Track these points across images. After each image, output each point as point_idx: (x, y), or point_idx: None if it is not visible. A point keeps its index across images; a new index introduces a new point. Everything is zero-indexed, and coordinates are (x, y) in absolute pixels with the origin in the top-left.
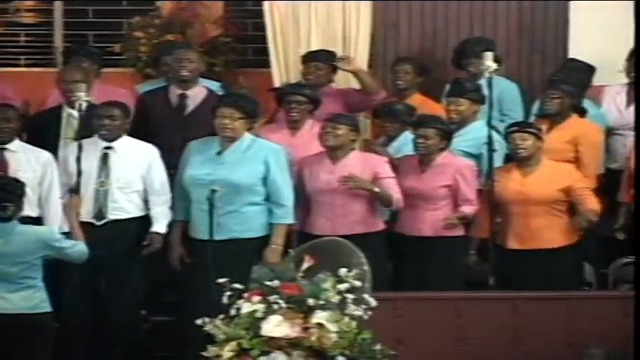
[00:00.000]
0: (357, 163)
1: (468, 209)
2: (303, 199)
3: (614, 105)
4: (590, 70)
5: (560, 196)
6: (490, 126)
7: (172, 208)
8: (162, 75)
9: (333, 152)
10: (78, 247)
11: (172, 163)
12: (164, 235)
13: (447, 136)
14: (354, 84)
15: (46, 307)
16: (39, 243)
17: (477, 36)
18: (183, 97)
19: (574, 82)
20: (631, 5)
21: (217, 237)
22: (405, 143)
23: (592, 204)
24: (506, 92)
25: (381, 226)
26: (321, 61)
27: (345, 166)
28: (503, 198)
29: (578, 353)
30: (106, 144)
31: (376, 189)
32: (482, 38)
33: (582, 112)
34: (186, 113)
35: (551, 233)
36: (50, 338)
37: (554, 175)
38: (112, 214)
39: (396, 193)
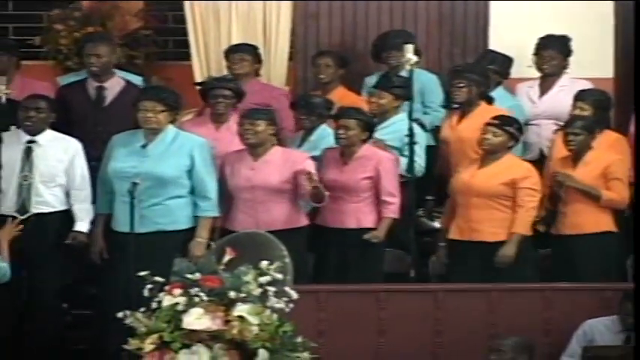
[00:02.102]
0: (278, 159)
1: (390, 212)
2: (225, 196)
3: (527, 98)
4: (508, 61)
5: (503, 190)
6: (411, 118)
7: (95, 201)
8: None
9: (254, 149)
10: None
11: (93, 156)
12: (86, 233)
13: (368, 128)
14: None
15: None
16: None
17: (396, 29)
18: (100, 90)
19: (478, 71)
20: None
21: (141, 229)
22: (322, 137)
23: (519, 225)
24: (427, 84)
25: (303, 221)
26: (245, 52)
27: (266, 162)
28: (452, 188)
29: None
30: (29, 138)
31: (319, 185)
32: (401, 31)
33: (489, 101)
34: (104, 105)
35: (491, 227)
36: None
37: (505, 169)
38: (35, 208)
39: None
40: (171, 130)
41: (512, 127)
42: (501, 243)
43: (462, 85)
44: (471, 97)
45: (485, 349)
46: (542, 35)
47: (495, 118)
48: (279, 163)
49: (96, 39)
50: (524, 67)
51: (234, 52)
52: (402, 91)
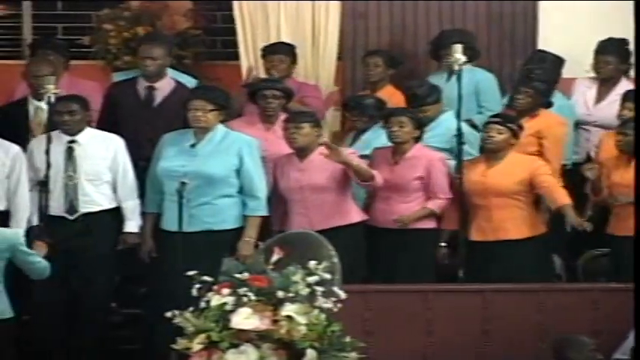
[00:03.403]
0: (324, 158)
1: (434, 204)
2: (278, 200)
3: (582, 99)
4: (559, 62)
5: (520, 187)
6: (459, 118)
7: (144, 200)
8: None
9: (301, 151)
10: (43, 264)
11: (142, 155)
12: (137, 233)
13: (419, 126)
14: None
15: (9, 314)
16: (5, 245)
17: (448, 28)
18: (151, 90)
19: (546, 79)
20: None
21: (189, 229)
22: (374, 137)
23: (562, 197)
24: (483, 83)
25: (356, 217)
26: (284, 53)
27: (313, 162)
28: (467, 190)
29: (547, 345)
30: (69, 138)
31: (354, 162)
32: (458, 30)
33: (548, 105)
34: (154, 105)
35: (512, 225)
36: (13, 345)
37: (516, 166)
38: (84, 207)
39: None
40: (220, 129)
41: (514, 124)
42: (527, 240)
43: (528, 92)
44: (533, 105)
45: (535, 348)
46: (598, 37)
47: (497, 115)
48: (325, 162)
49: (151, 41)
50: (573, 66)
51: (273, 53)
52: (434, 97)
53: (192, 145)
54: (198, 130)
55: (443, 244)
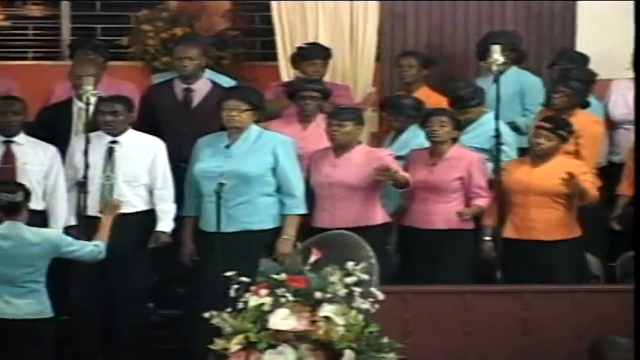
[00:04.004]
0: (361, 157)
1: (482, 202)
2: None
3: (623, 99)
4: (584, 59)
5: (563, 190)
6: (497, 120)
7: (182, 204)
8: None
9: (340, 148)
10: (88, 249)
11: (181, 157)
12: (169, 233)
13: (458, 127)
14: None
15: (49, 313)
16: (47, 247)
17: (486, 29)
18: (188, 91)
19: (583, 78)
20: None
21: (228, 229)
22: (411, 137)
23: (592, 191)
24: (529, 86)
25: (380, 219)
26: (320, 58)
27: (348, 160)
28: (508, 187)
29: (585, 346)
30: (111, 138)
31: (395, 171)
32: (504, 32)
33: (585, 105)
34: (192, 107)
35: (546, 226)
36: (51, 345)
37: (562, 169)
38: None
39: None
40: (254, 129)
41: (563, 131)
42: (557, 242)
43: (566, 92)
44: (570, 105)
45: (574, 350)
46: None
47: (547, 120)
48: (361, 161)
49: (187, 41)
50: (612, 66)
51: (309, 57)
52: (477, 100)
53: (227, 146)
54: (232, 130)
55: (487, 238)
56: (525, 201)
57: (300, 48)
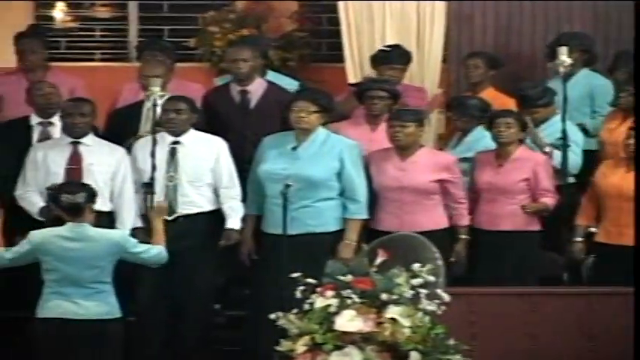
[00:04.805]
0: (426, 160)
1: (548, 200)
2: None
3: None
4: None
5: None
6: (564, 121)
7: (245, 202)
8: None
9: (403, 150)
10: (154, 252)
11: (243, 159)
12: (239, 230)
13: (524, 128)
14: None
15: (117, 314)
16: (113, 247)
17: (556, 30)
18: (244, 93)
19: None
20: None
21: (291, 231)
22: (478, 138)
23: None
24: (599, 89)
25: (445, 222)
26: (398, 62)
27: (414, 163)
28: (602, 190)
29: None
30: (173, 138)
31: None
32: (575, 33)
33: None
34: (249, 109)
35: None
36: (120, 345)
37: None
38: (183, 209)
39: (462, 194)
40: (321, 132)
41: None
42: None
43: (631, 90)
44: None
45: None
46: None
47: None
48: (427, 164)
49: (240, 43)
50: None
51: (388, 61)
52: (545, 100)
53: (294, 148)
54: (299, 132)
55: (579, 239)
56: (618, 205)
57: (380, 50)
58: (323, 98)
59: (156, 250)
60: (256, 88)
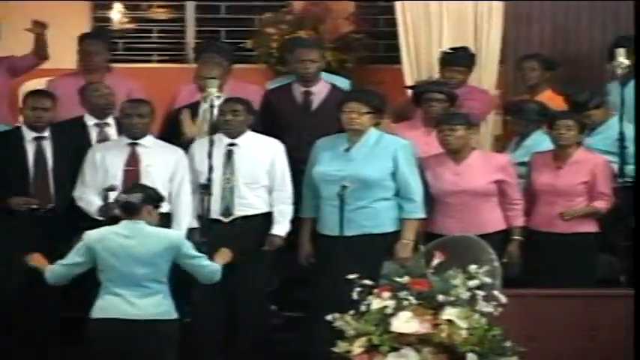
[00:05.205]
0: (480, 162)
1: (600, 204)
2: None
3: None
4: None
5: None
6: (622, 122)
7: (300, 205)
8: (291, 72)
9: (455, 153)
10: (212, 268)
11: (301, 159)
12: (283, 236)
13: (583, 130)
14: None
15: (174, 314)
16: (168, 246)
17: (615, 31)
18: (307, 94)
19: None
20: None
21: (347, 232)
22: (537, 142)
23: None
24: None
25: (504, 223)
26: (461, 65)
27: (469, 167)
28: None
29: None
30: (229, 140)
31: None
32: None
33: None
34: (311, 110)
35: None
36: (176, 346)
37: None
38: (240, 211)
39: (518, 195)
40: (374, 132)
41: None
42: None
43: None
44: None
45: None
46: None
47: None
48: (482, 166)
49: (306, 44)
50: None
51: (450, 63)
52: (599, 100)
53: (347, 150)
54: (351, 133)
55: None
56: None
57: (444, 52)
58: (374, 99)
59: (214, 268)
60: (320, 90)
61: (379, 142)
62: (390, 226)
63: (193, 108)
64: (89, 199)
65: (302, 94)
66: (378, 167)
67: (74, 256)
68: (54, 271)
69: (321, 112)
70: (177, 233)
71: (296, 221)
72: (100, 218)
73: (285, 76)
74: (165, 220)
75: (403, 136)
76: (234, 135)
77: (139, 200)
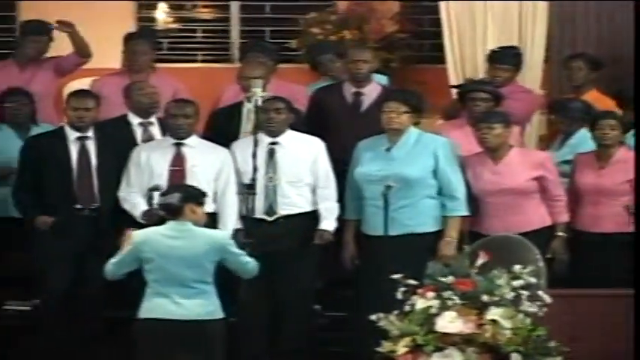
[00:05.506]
0: (519, 160)
1: None
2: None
3: None
4: None
5: None
6: None
7: (344, 206)
8: (324, 74)
9: (494, 152)
10: (248, 260)
11: (345, 159)
12: (332, 232)
13: (625, 130)
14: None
15: (221, 314)
16: (214, 247)
17: None
18: (358, 95)
19: None
20: None
21: (391, 232)
22: (581, 141)
23: None
24: None
25: (549, 221)
26: (507, 64)
27: (508, 165)
28: None
29: None
30: (271, 139)
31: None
32: None
33: None
34: (361, 110)
35: None
36: (222, 346)
37: None
38: (283, 210)
39: (559, 190)
40: (413, 131)
41: None
42: None
43: None
44: None
45: None
46: None
47: None
48: (521, 164)
49: (362, 44)
50: None
51: (496, 61)
52: None
53: (387, 149)
54: (391, 132)
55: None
56: None
57: (492, 50)
58: (413, 98)
59: (252, 262)
60: (370, 91)
61: (419, 140)
62: (433, 226)
63: (237, 108)
64: (134, 201)
65: (352, 94)
66: (419, 166)
67: (122, 255)
68: (107, 267)
69: (371, 113)
70: (222, 233)
71: (340, 222)
72: (143, 222)
73: (325, 77)
74: (210, 220)
75: (447, 135)
76: (275, 134)
77: (178, 200)
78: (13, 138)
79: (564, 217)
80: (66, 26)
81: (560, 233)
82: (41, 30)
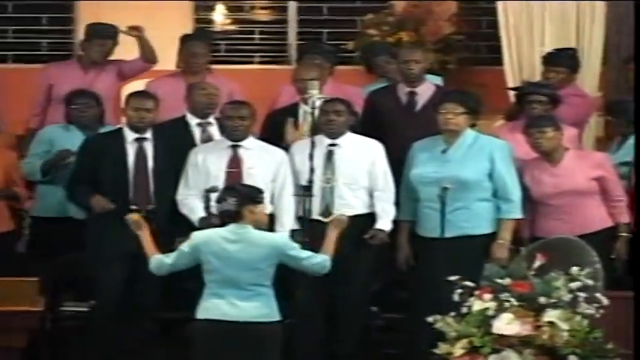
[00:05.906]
0: (578, 161)
1: None
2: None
3: None
4: None
5: None
6: None
7: (399, 207)
8: (380, 76)
9: (550, 155)
10: (317, 260)
11: (401, 159)
12: (387, 232)
13: None
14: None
15: (276, 316)
16: (274, 250)
17: None
18: (412, 95)
19: None
20: None
21: (446, 234)
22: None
23: None
24: None
25: (610, 222)
26: (562, 65)
27: (566, 167)
28: None
29: None
30: (330, 141)
31: None
32: None
33: None
34: (415, 110)
35: None
36: (279, 348)
37: None
38: (339, 211)
39: (619, 191)
40: (470, 133)
41: None
42: None
43: None
44: None
45: None
46: None
47: None
48: (579, 165)
49: (414, 44)
50: None
51: (553, 63)
52: None
53: (443, 151)
54: (447, 134)
55: None
56: None
57: (548, 52)
58: (469, 99)
59: (320, 259)
60: (424, 90)
61: (475, 142)
62: (489, 228)
63: (292, 110)
64: (192, 205)
65: (406, 94)
66: (475, 168)
67: (180, 254)
68: (159, 261)
69: (425, 112)
70: (281, 237)
71: (394, 224)
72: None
73: (381, 79)
74: (269, 223)
75: (505, 137)
76: (335, 136)
77: (235, 206)
78: (80, 139)
79: (625, 218)
80: (135, 31)
81: (624, 233)
82: (107, 33)
